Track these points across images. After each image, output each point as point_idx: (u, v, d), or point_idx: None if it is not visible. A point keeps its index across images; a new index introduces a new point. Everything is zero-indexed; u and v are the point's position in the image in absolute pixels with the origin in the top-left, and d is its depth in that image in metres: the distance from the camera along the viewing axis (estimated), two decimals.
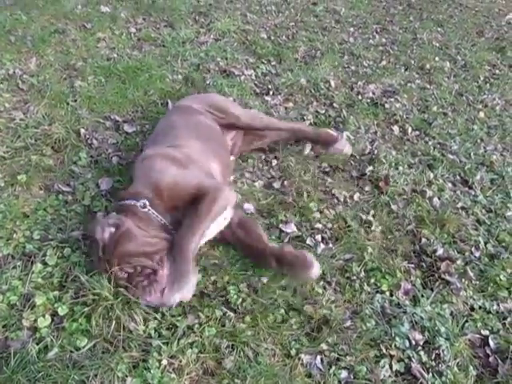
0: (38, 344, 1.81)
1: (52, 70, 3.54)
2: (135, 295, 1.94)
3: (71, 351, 1.81)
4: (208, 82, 3.65)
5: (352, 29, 5.24)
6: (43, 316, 1.92)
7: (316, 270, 2.14)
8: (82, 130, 2.96)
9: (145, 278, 1.94)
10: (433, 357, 2.02)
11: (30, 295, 1.98)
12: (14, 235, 2.24)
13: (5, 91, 3.23)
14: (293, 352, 1.93)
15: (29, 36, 3.89)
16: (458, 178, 3.19)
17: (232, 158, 2.83)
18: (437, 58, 4.85)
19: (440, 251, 2.52)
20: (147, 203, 2.09)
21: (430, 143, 3.49)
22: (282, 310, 2.08)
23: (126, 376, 1.74)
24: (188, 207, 2.13)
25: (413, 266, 2.45)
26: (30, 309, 1.94)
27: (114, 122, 3.13)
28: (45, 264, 2.13)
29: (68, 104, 3.19)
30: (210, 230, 2.16)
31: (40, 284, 2.04)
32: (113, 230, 1.98)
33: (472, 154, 3.42)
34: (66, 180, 2.61)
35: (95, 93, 3.34)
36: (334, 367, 1.91)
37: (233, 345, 1.90)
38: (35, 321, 1.90)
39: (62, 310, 1.94)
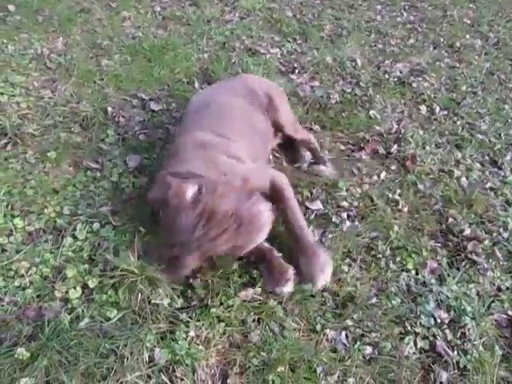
0: (70, 314, 1.86)
1: (79, 49, 3.57)
2: None
3: (101, 322, 1.85)
4: (234, 61, 3.63)
5: (379, 6, 5.13)
6: (74, 288, 1.97)
7: (288, 289, 2.04)
8: (109, 108, 2.99)
9: None
10: (458, 335, 2.01)
11: (62, 268, 2.04)
12: (45, 210, 2.29)
13: (33, 70, 3.28)
14: (318, 327, 1.95)
15: (55, 16, 3.92)
16: (486, 158, 3.12)
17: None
18: (467, 36, 4.72)
19: (467, 231, 2.49)
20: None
21: (459, 123, 3.42)
22: None
23: (155, 346, 1.78)
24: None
25: (439, 245, 2.43)
26: (62, 281, 1.99)
27: (140, 100, 3.15)
28: (75, 238, 2.18)
29: (95, 82, 3.24)
30: None
31: (70, 257, 2.09)
32: (196, 189, 1.85)
33: (502, 134, 3.34)
34: (94, 157, 2.65)
35: (121, 71, 3.37)
36: (358, 343, 1.92)
37: (259, 318, 1.93)
38: (67, 292, 1.95)
39: (92, 283, 1.99)
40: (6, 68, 3.19)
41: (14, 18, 3.79)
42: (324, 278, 2.07)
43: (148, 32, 3.91)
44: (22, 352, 1.71)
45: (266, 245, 2.16)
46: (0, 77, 3.07)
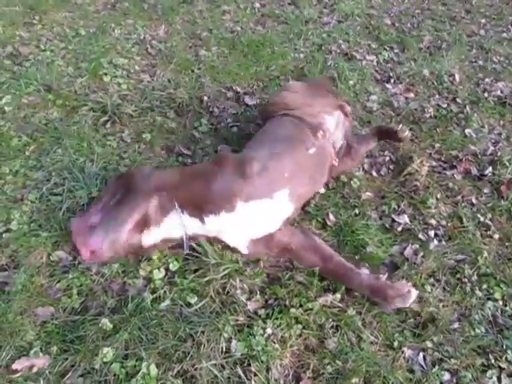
0: (152, 294, 1.92)
1: (179, 38, 3.70)
2: None
3: (181, 306, 1.89)
4: (329, 64, 3.60)
5: (484, 20, 4.88)
6: (158, 269, 2.02)
7: (413, 298, 1.97)
8: (205, 98, 3.06)
9: None
10: None
11: None
12: None
13: (136, 54, 3.43)
14: (396, 344, 1.88)
15: (159, 4, 4.10)
16: None
17: None
18: None
19: None
20: None
21: None
22: None
23: (231, 338, 1.79)
24: None
25: None
26: (147, 260, 2.05)
27: (235, 93, 3.20)
28: None
29: (192, 71, 3.33)
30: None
31: None
32: None
33: None
34: (187, 143, 2.72)
35: (218, 63, 3.45)
36: (437, 367, 1.83)
37: (337, 326, 1.89)
38: (150, 272, 2.01)
39: (174, 266, 2.04)
40: (112, 50, 3.36)
41: (122, 5, 4.01)
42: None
43: (246, 27, 3.97)
44: (105, 322, 1.78)
45: (367, 273, 2.10)
46: (106, 58, 3.23)
